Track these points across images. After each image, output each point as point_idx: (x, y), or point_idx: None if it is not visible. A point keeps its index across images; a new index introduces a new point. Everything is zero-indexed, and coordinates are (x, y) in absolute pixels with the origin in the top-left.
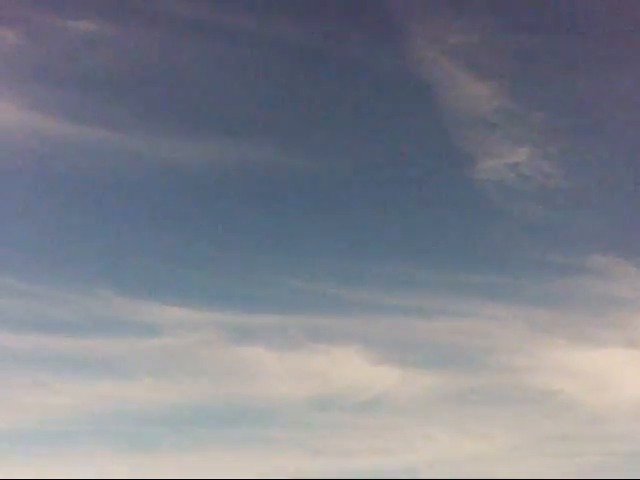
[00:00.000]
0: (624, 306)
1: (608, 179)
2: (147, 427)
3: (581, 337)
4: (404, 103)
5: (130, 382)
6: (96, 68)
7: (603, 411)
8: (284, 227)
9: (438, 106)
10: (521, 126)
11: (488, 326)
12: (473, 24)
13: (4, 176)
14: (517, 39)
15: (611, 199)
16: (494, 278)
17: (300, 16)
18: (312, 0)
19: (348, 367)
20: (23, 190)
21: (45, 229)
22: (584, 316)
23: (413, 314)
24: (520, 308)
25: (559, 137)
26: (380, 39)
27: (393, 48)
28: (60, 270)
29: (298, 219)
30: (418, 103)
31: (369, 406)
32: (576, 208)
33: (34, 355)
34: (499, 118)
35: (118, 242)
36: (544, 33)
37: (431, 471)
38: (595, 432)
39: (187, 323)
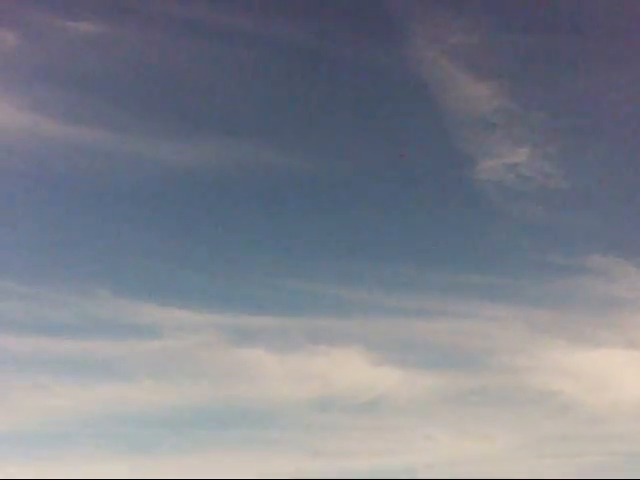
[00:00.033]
0: (624, 306)
1: (608, 179)
2: (147, 429)
3: (581, 337)
4: (404, 103)
5: (130, 384)
6: (96, 69)
7: (603, 411)
8: (284, 228)
9: (438, 106)
10: (521, 126)
11: (488, 327)
12: (473, 24)
13: (4, 176)
14: (517, 40)
15: (611, 199)
16: (494, 279)
17: (300, 17)
18: (311, 0)
19: (348, 368)
20: (22, 191)
21: (45, 230)
22: (584, 316)
23: (413, 315)
24: (520, 309)
25: (559, 137)
26: (380, 39)
27: (393, 48)
28: (60, 272)
29: (298, 220)
30: (418, 103)
31: (369, 407)
32: (576, 208)
33: (34, 357)
34: (499, 118)
35: (118, 244)
36: (544, 34)
37: (431, 471)
38: (595, 432)
39: (187, 325)
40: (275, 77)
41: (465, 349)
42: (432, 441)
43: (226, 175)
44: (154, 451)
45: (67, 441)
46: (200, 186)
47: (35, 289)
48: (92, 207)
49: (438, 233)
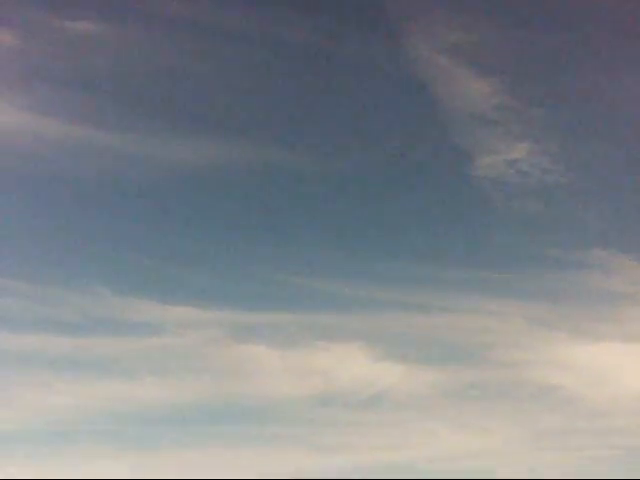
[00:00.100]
0: (623, 300)
1: (607, 175)
2: (149, 426)
3: (580, 331)
4: (404, 101)
5: (132, 381)
6: (95, 68)
7: (602, 405)
8: (285, 225)
9: (437, 103)
10: (520, 123)
11: (488, 321)
12: (472, 21)
13: (4, 176)
14: (516, 36)
15: (610, 194)
16: (494, 273)
17: (299, 15)
18: None
19: (350, 364)
20: (22, 190)
21: (45, 229)
22: (583, 310)
23: (413, 310)
24: (520, 303)
25: (558, 134)
26: (379, 37)
27: (392, 46)
28: (60, 270)
29: (298, 217)
30: (418, 100)
31: (371, 402)
32: (575, 203)
33: (35, 355)
34: (498, 115)
35: (119, 242)
36: (543, 30)
37: (432, 466)
38: (594, 426)
39: (188, 322)
40: (274, 75)
41: (465, 344)
42: (433, 436)
43: (227, 173)
44: (156, 448)
45: (68, 439)
46: (200, 184)
47: (35, 287)
48: (92, 206)
49: (438, 229)
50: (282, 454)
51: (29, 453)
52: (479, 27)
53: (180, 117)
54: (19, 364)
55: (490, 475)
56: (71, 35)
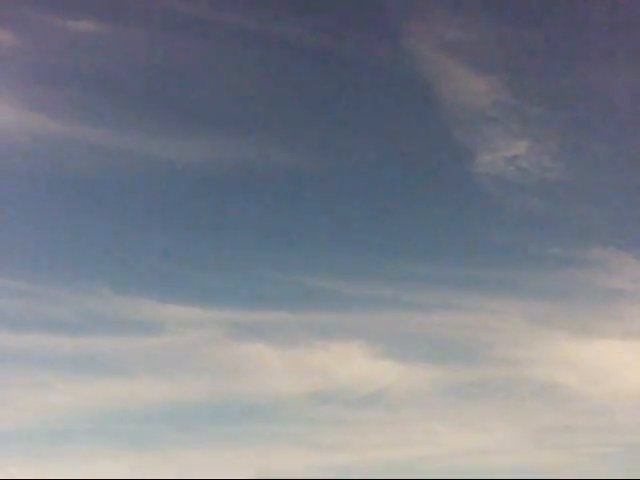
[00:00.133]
0: (624, 298)
1: (607, 172)
2: (149, 425)
3: (581, 329)
4: (403, 99)
5: (131, 381)
6: (96, 68)
7: (603, 403)
8: (284, 224)
9: (437, 101)
10: (520, 120)
11: (488, 320)
12: (472, 20)
13: (4, 176)
14: (515, 34)
15: (610, 192)
16: (494, 272)
17: (298, 14)
18: None
19: (349, 362)
20: (23, 190)
21: (45, 229)
22: (584, 308)
23: (413, 309)
24: (520, 301)
25: (558, 131)
26: (379, 35)
27: (392, 44)
28: (60, 269)
29: (297, 215)
30: (418, 98)
31: (370, 401)
32: (575, 201)
33: (35, 355)
34: (498, 112)
35: (119, 241)
36: (542, 28)
37: (433, 464)
38: (595, 424)
39: (188, 321)
40: (273, 75)
41: (465, 342)
42: (433, 434)
43: (227, 172)
44: (155, 447)
45: (68, 438)
46: (200, 183)
47: (36, 286)
48: (92, 205)
49: (438, 227)
50: (282, 453)
51: (29, 453)
52: (479, 26)
53: (180, 116)
54: (19, 364)
55: (490, 474)
56: (71, 35)
